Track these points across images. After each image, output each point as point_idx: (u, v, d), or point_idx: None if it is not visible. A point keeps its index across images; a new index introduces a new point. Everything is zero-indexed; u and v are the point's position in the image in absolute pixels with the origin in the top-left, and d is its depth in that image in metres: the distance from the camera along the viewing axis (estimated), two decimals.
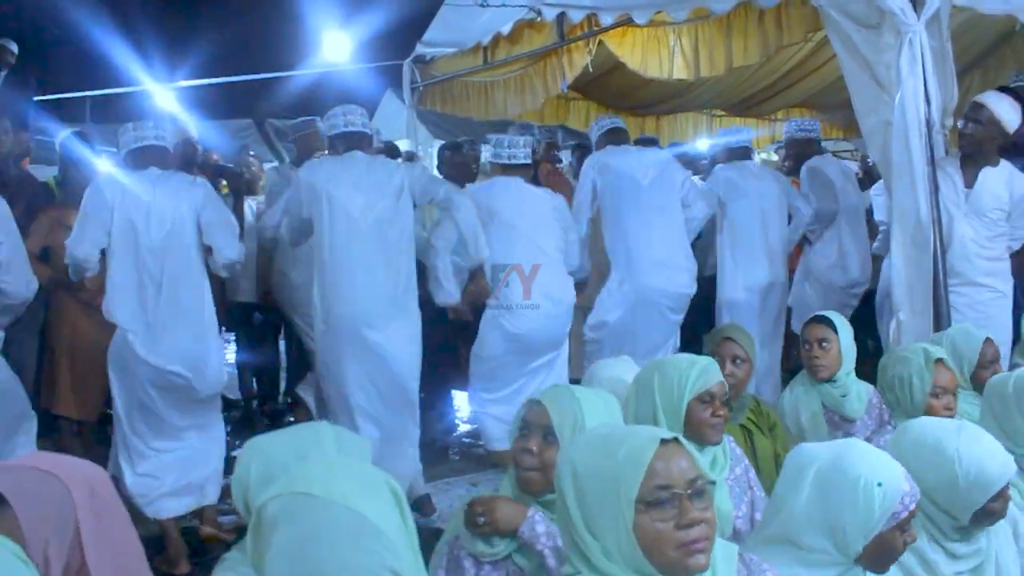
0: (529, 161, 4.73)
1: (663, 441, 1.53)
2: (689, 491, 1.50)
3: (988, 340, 3.31)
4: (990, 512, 2.12)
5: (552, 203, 4.64)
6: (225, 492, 4.06)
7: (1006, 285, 3.94)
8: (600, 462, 1.54)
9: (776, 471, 3.16)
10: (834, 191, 5.45)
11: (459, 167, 5.54)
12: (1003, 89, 4.34)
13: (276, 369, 6.01)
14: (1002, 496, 2.12)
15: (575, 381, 5.00)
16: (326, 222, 3.97)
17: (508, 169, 4.65)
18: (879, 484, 1.82)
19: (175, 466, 3.77)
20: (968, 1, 3.93)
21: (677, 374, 2.47)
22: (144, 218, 3.69)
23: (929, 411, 2.84)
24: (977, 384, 3.27)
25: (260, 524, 1.32)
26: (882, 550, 1.84)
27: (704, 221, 5.08)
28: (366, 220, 3.96)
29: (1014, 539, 2.33)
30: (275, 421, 5.66)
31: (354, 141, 4.12)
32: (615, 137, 5.13)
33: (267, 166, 6.88)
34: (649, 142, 6.16)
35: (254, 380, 5.87)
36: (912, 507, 1.85)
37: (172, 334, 3.69)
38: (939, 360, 2.89)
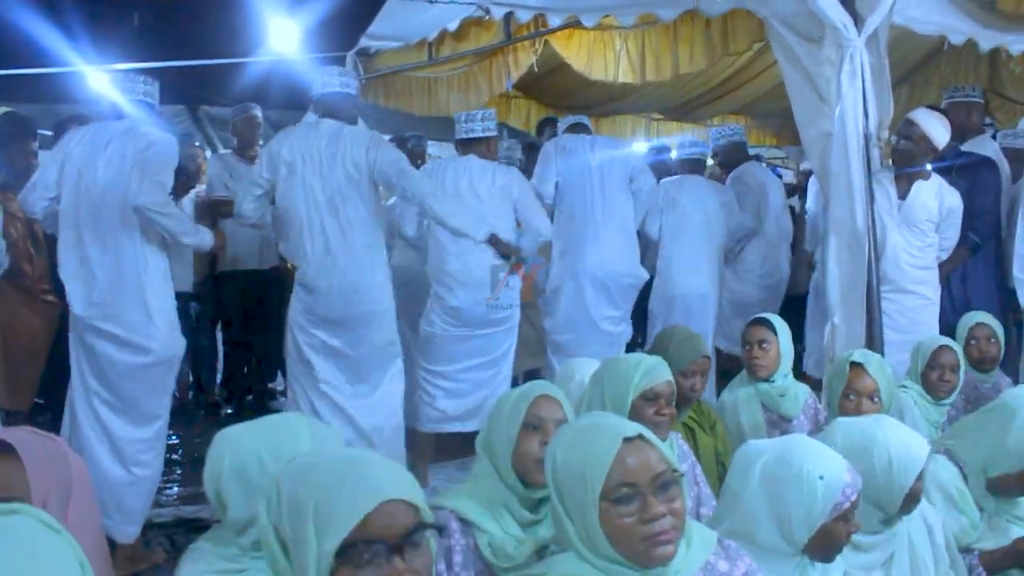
0: (486, 134, 4.67)
1: (626, 439, 1.58)
2: (653, 486, 1.56)
3: (945, 347, 3.48)
4: (915, 494, 2.23)
5: (501, 180, 4.61)
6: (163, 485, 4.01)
7: (934, 293, 4.13)
8: (571, 457, 1.61)
9: (717, 468, 3.28)
10: (756, 202, 5.66)
11: None
12: (931, 108, 4.55)
13: (213, 360, 5.93)
14: (921, 476, 2.23)
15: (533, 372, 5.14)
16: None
17: (466, 144, 4.67)
18: (821, 477, 1.90)
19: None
20: (904, 20, 4.09)
21: (625, 372, 2.53)
22: (91, 168, 3.59)
23: (842, 411, 2.99)
24: (925, 383, 3.46)
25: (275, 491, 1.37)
26: (827, 540, 1.92)
27: (651, 193, 5.17)
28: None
29: (927, 532, 2.45)
30: (211, 413, 5.59)
31: (328, 106, 4.11)
32: (578, 130, 5.30)
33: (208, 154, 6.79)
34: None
35: (190, 372, 5.78)
36: (854, 498, 1.92)
37: (109, 292, 3.58)
38: (857, 364, 3.01)
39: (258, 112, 5.89)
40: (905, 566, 2.27)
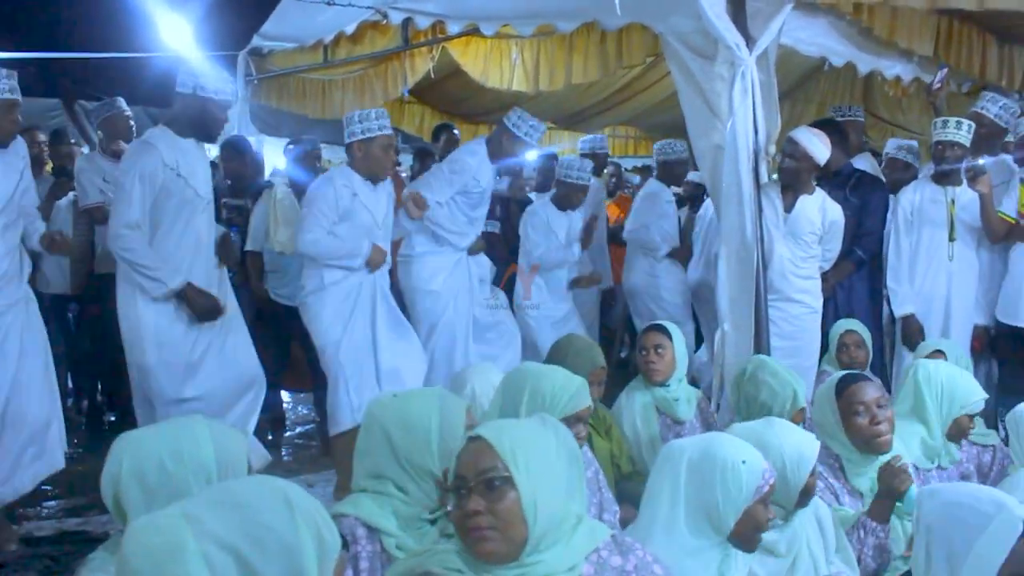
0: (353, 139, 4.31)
1: (470, 438, 1.70)
2: (478, 482, 1.64)
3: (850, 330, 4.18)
4: (809, 489, 2.36)
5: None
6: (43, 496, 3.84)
7: (817, 301, 4.31)
8: None
9: (612, 470, 3.35)
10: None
11: (301, 163, 5.50)
12: (825, 122, 4.76)
13: (94, 364, 5.66)
14: (814, 472, 2.38)
15: None
16: None
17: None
18: (743, 461, 2.05)
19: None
20: (792, 41, 4.29)
21: (551, 392, 2.54)
22: None
23: None
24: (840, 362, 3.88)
25: None
26: (750, 525, 2.06)
27: None
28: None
29: (819, 529, 2.55)
30: (93, 420, 5.34)
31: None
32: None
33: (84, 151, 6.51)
34: None
35: (69, 376, 5.52)
36: (772, 481, 2.08)
37: None
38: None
39: (127, 108, 5.66)
40: (808, 568, 2.39)
